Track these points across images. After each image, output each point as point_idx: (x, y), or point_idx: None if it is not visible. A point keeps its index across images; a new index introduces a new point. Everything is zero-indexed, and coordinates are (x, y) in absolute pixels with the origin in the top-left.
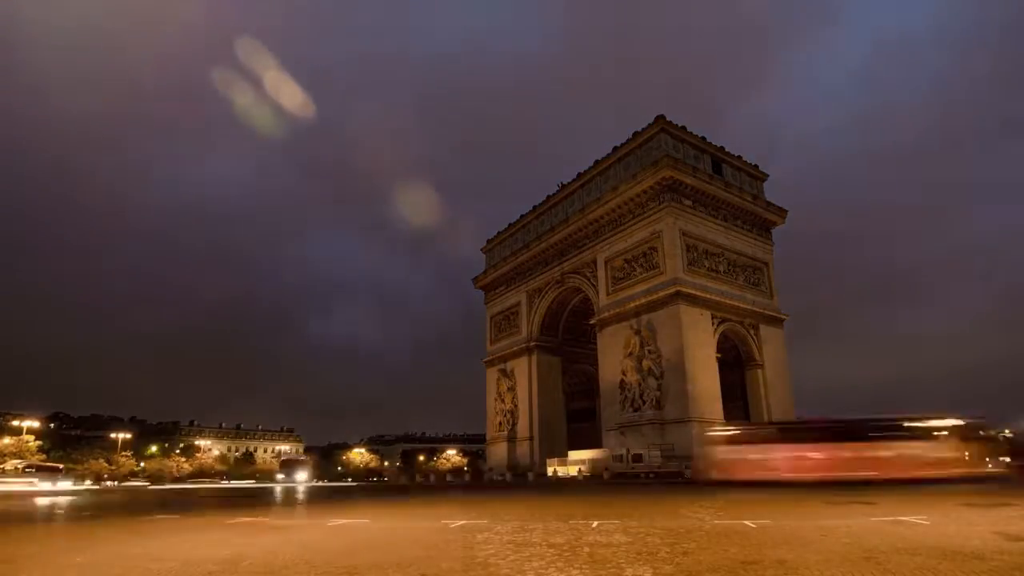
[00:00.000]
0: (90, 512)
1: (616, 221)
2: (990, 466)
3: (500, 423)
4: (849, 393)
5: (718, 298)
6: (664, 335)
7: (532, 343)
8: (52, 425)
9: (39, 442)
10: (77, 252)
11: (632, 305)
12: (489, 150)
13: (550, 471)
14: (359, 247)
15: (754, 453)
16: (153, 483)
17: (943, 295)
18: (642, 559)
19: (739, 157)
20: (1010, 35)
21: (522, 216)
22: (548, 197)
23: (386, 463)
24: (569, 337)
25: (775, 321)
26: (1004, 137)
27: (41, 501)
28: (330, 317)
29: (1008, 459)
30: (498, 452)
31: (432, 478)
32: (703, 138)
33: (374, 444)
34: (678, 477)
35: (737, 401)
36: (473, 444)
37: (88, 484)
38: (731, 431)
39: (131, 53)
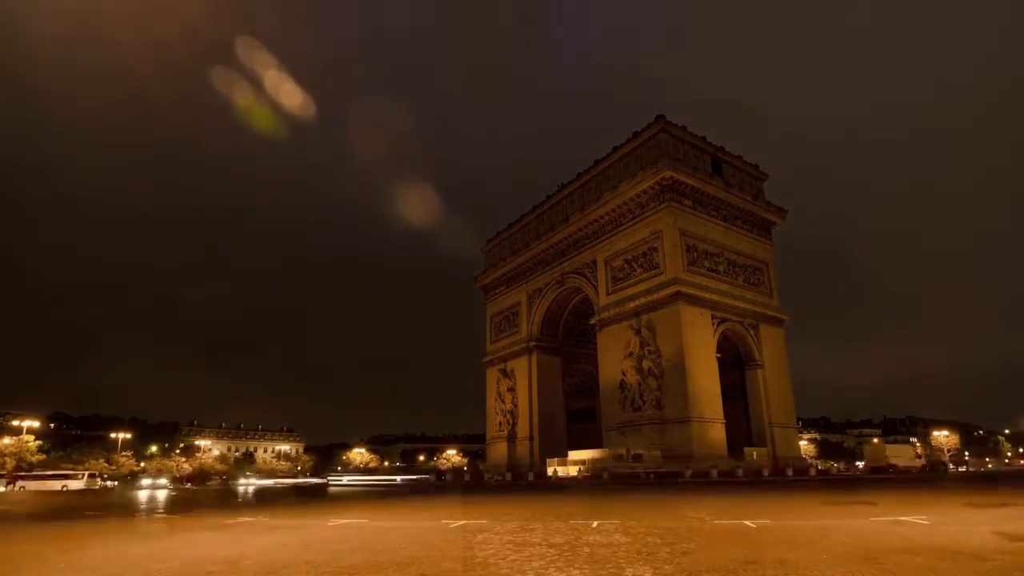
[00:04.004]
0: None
1: (616, 221)
2: None
3: (500, 423)
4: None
5: (718, 298)
6: (664, 335)
7: (532, 343)
8: (52, 425)
9: (39, 442)
10: (75, 250)
11: (632, 305)
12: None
13: (550, 471)
14: None
15: None
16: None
17: None
18: (642, 559)
19: (739, 157)
20: None
21: (522, 216)
22: (548, 197)
23: (386, 463)
24: (569, 337)
25: (775, 321)
26: None
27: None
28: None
29: None
30: (498, 452)
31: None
32: (703, 138)
33: (374, 444)
34: (678, 477)
35: (737, 401)
36: (473, 444)
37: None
38: None
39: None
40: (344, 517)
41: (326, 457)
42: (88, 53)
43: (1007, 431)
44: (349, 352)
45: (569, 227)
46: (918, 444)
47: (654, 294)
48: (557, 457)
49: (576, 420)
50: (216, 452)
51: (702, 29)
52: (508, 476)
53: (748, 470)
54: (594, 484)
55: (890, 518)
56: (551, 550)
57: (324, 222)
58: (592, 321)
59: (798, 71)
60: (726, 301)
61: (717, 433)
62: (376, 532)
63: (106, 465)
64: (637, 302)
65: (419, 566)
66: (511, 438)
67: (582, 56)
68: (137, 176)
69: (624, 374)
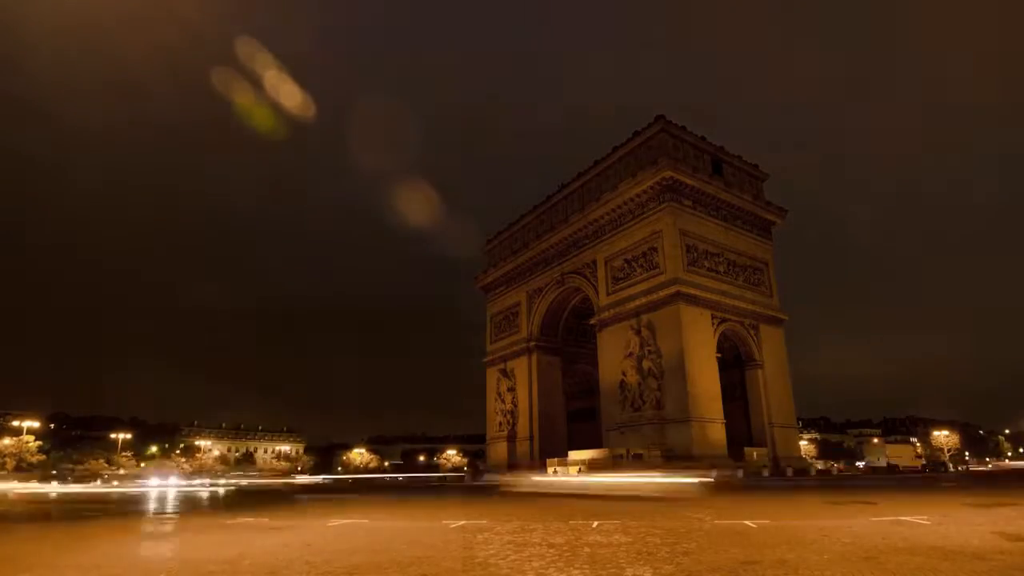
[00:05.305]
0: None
1: (616, 221)
2: None
3: (500, 423)
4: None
5: (718, 298)
6: (664, 335)
7: (532, 343)
8: (52, 425)
9: (39, 442)
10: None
11: (632, 305)
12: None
13: (550, 471)
14: None
15: None
16: None
17: None
18: (642, 559)
19: (739, 157)
20: None
21: (522, 216)
22: (548, 197)
23: (386, 463)
24: (569, 337)
25: (775, 321)
26: None
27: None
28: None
29: None
30: (498, 452)
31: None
32: (703, 138)
33: (375, 444)
34: None
35: (737, 401)
36: (473, 444)
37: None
38: None
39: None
40: (345, 517)
41: (326, 457)
42: (88, 55)
43: (1007, 431)
44: (349, 352)
45: (569, 227)
46: (918, 444)
47: (654, 294)
48: (557, 457)
49: (576, 420)
50: (216, 452)
51: (701, 29)
52: (508, 476)
53: (748, 470)
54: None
55: (890, 518)
56: (551, 550)
57: (323, 221)
58: (592, 321)
59: (800, 71)
60: (726, 301)
61: (717, 433)
62: (377, 532)
63: (106, 465)
64: (637, 302)
65: (420, 566)
66: (511, 438)
67: (581, 57)
68: (137, 176)
69: (624, 374)
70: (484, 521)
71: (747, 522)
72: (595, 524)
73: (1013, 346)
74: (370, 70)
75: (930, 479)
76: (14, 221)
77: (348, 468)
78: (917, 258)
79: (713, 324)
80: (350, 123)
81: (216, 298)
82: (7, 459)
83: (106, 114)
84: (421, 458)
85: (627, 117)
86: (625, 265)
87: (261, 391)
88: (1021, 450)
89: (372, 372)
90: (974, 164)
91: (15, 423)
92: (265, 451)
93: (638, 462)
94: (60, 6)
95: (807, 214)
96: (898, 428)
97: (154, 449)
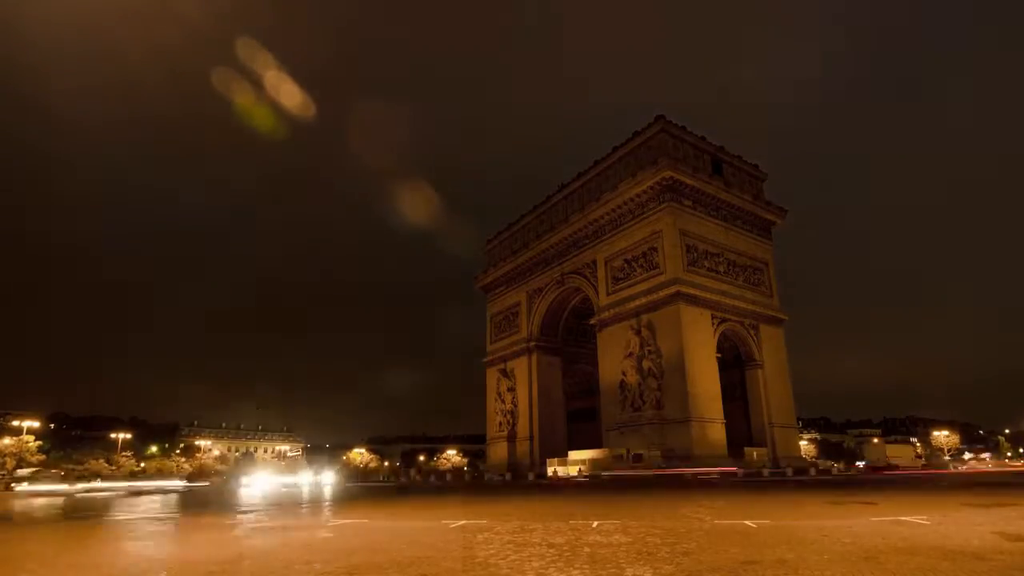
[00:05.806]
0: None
1: (616, 221)
2: None
3: (500, 423)
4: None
5: (718, 298)
6: (664, 335)
7: (532, 343)
8: (52, 425)
9: (39, 442)
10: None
11: (632, 305)
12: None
13: (550, 471)
14: None
15: None
16: None
17: None
18: (642, 559)
19: (739, 157)
20: None
21: (522, 216)
22: (548, 197)
23: (386, 463)
24: (569, 337)
25: (775, 321)
26: None
27: None
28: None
29: None
30: (498, 452)
31: (432, 478)
32: (703, 138)
33: (375, 444)
34: (678, 477)
35: (737, 401)
36: (473, 444)
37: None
38: None
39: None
40: (345, 517)
41: (326, 457)
42: (88, 54)
43: (1007, 431)
44: (349, 352)
45: (569, 227)
46: (918, 444)
47: (654, 294)
48: (557, 457)
49: (576, 420)
50: (216, 452)
51: (699, 28)
52: (508, 476)
53: (748, 470)
54: (594, 484)
55: (890, 518)
56: (551, 550)
57: (323, 220)
58: (592, 321)
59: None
60: (726, 301)
61: (717, 433)
62: (376, 532)
63: (106, 465)
64: (637, 302)
65: (419, 566)
66: (511, 438)
67: (580, 58)
68: (137, 175)
69: (624, 374)
70: (484, 521)
71: (747, 522)
72: (595, 524)
73: (1013, 346)
74: (370, 70)
75: (929, 479)
76: (15, 221)
77: (348, 468)
78: (917, 257)
79: (713, 324)
80: (350, 123)
81: (216, 298)
82: (7, 459)
83: (106, 112)
84: (421, 458)
85: (626, 116)
86: (625, 265)
87: (261, 391)
88: (1021, 450)
89: (372, 372)
90: (973, 164)
91: (15, 423)
92: (265, 451)
93: (638, 462)
94: (61, 5)
95: (807, 214)
96: (898, 428)
97: (154, 449)
